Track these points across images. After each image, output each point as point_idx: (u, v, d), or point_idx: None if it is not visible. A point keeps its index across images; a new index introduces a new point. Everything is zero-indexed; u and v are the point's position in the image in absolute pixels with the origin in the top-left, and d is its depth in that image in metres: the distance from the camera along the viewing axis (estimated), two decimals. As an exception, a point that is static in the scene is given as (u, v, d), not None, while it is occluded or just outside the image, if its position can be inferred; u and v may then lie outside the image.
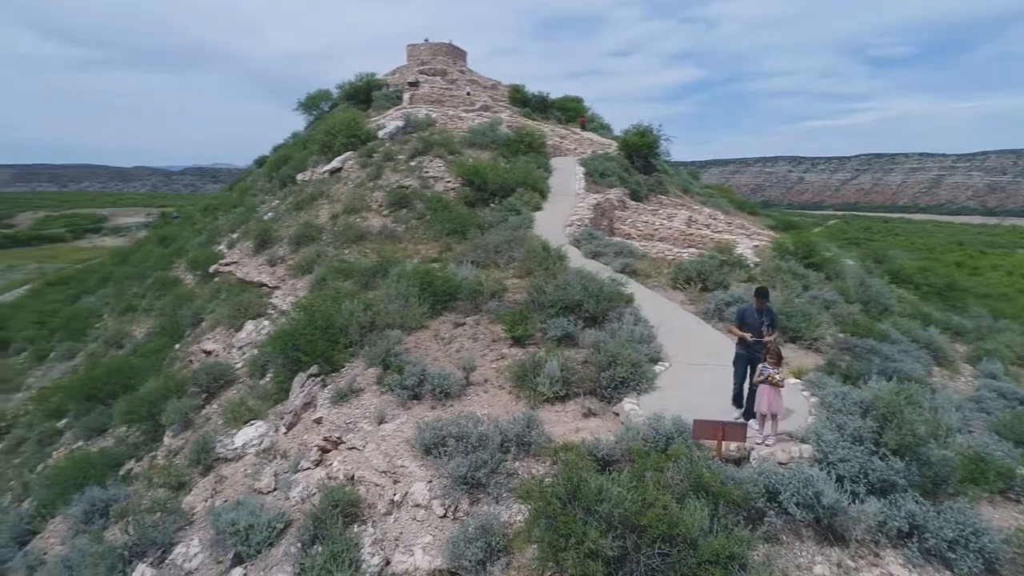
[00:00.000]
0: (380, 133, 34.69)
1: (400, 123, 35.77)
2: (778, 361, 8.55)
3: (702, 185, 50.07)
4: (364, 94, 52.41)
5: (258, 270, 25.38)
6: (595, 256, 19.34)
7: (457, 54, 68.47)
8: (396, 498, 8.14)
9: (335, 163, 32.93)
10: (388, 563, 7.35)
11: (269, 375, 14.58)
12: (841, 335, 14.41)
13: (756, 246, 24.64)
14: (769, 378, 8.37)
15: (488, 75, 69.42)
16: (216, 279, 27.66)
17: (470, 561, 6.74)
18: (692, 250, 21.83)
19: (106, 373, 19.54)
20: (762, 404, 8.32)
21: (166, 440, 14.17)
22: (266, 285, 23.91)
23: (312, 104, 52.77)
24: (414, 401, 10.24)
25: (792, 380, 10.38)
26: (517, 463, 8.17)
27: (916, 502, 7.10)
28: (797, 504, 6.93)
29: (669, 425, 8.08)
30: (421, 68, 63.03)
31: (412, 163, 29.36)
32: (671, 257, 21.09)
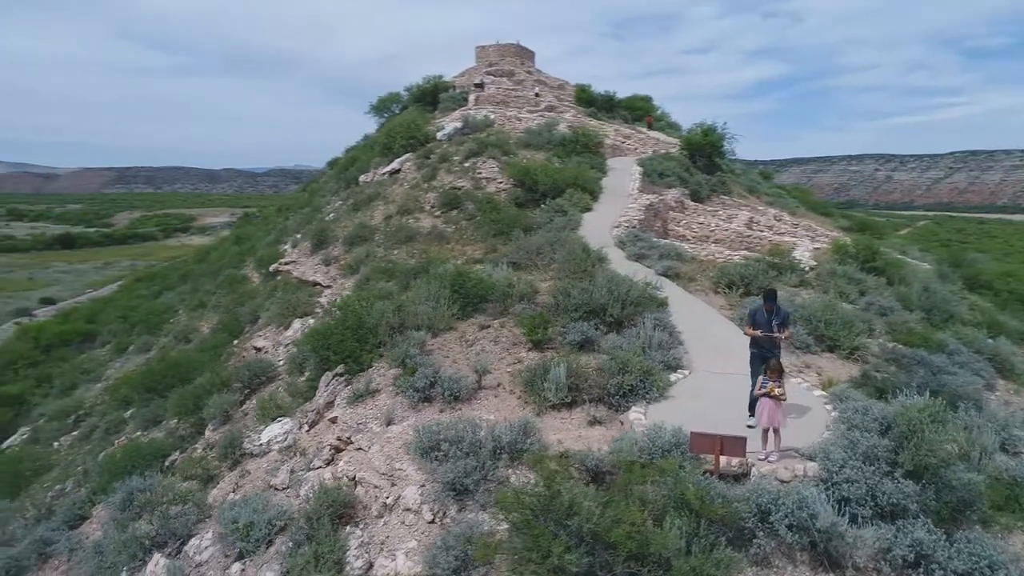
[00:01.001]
0: (438, 135, 35.08)
1: (458, 124, 36.07)
2: (778, 374, 8.11)
3: (772, 185, 48.36)
4: (431, 96, 53.23)
5: (313, 269, 26.12)
6: (638, 258, 18.93)
7: (525, 55, 68.60)
8: (389, 501, 8.15)
9: (394, 164, 33.54)
10: (371, 567, 7.36)
11: (306, 373, 14.94)
12: (891, 345, 13.59)
13: (817, 249, 23.62)
14: (769, 391, 7.94)
15: (557, 75, 69.24)
16: (277, 278, 28.62)
17: (444, 569, 6.67)
18: (745, 253, 21.07)
19: (166, 367, 20.49)
20: (762, 418, 7.89)
21: (206, 434, 14.71)
22: (320, 284, 24.57)
23: (383, 107, 53.89)
24: (425, 403, 10.25)
25: (817, 392, 9.84)
26: (509, 471, 8.04)
27: (927, 530, 6.56)
28: (789, 526, 6.51)
29: (668, 437, 7.78)
30: (488, 69, 63.44)
31: (466, 164, 29.54)
32: (721, 260, 20.41)
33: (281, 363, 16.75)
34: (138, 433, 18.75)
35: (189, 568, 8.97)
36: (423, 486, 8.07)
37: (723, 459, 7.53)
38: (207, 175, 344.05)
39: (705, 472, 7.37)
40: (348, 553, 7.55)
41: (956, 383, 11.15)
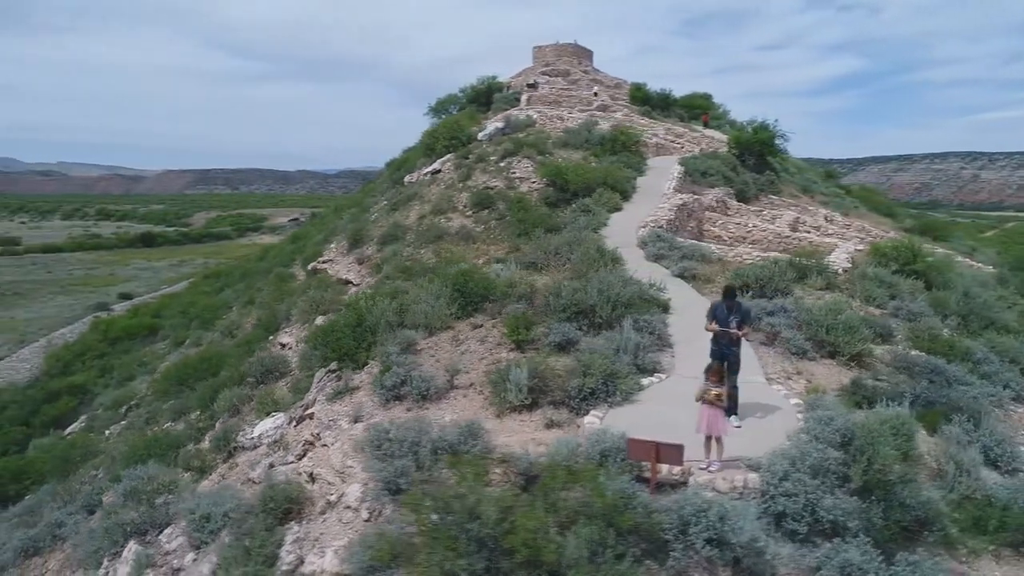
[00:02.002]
0: (480, 135, 35.23)
1: (500, 125, 36.14)
2: (719, 379, 7.72)
3: (832, 185, 46.44)
4: (485, 97, 53.63)
5: (347, 268, 26.64)
6: (657, 259, 18.52)
7: (582, 54, 68.28)
8: (333, 499, 8.21)
9: (436, 165, 33.90)
10: (301, 563, 7.42)
11: (311, 370, 15.22)
12: (907, 352, 12.81)
13: (857, 251, 22.61)
14: (705, 395, 7.58)
15: (623, 75, 68.57)
16: (317, 276, 29.33)
17: (359, 567, 6.65)
18: (774, 254, 20.30)
19: (198, 361, 21.28)
20: (701, 425, 7.53)
21: (217, 426, 15.19)
22: (351, 282, 25.05)
23: (441, 108, 54.63)
24: (396, 402, 10.28)
25: (794, 400, 9.36)
26: (449, 472, 7.96)
27: (862, 551, 6.11)
28: (708, 540, 6.18)
29: (609, 442, 7.53)
30: (544, 69, 63.44)
31: (501, 164, 29.56)
32: (749, 262, 19.75)
33: (295, 360, 17.13)
34: (168, 424, 19.52)
35: (158, 556, 9.28)
36: (366, 485, 8.09)
37: (664, 467, 7.25)
38: (281, 176, 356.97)
39: (641, 479, 7.11)
40: (282, 548, 7.65)
41: (961, 395, 10.40)
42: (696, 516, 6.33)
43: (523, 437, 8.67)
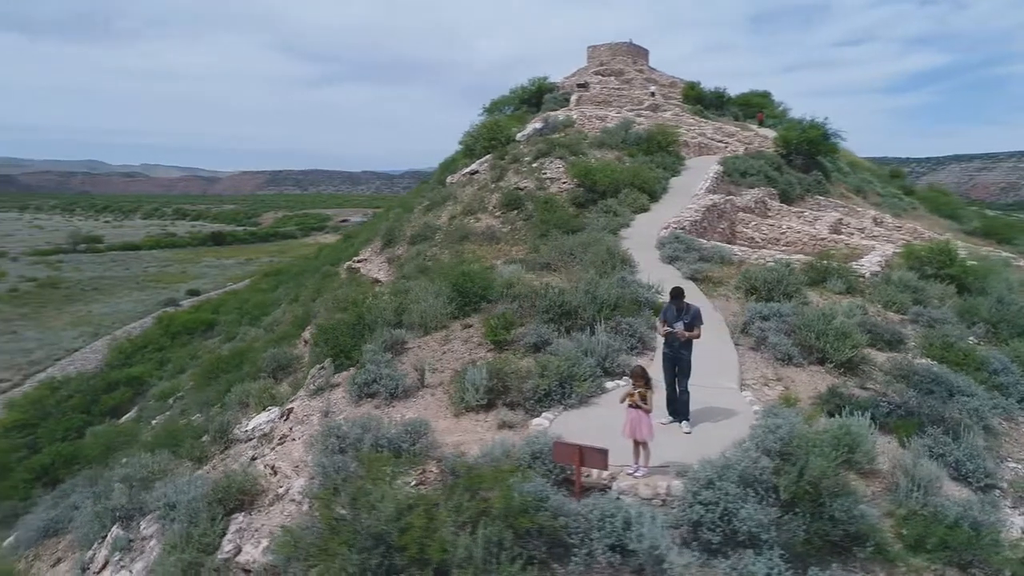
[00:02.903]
0: (518, 136, 35.33)
1: (538, 125, 36.16)
2: (644, 382, 7.53)
3: (889, 185, 44.48)
4: (535, 97, 53.76)
5: (378, 267, 27.17)
6: (672, 261, 18.21)
7: (637, 53, 67.65)
8: (281, 491, 8.44)
9: (474, 166, 34.18)
10: (239, 552, 7.66)
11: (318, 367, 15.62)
12: (914, 359, 12.22)
13: (896, 254, 21.70)
14: (629, 399, 7.41)
15: (686, 73, 67.60)
16: (353, 275, 30.02)
17: (280, 559, 6.83)
18: (800, 257, 19.66)
19: (230, 355, 22.12)
20: (625, 429, 7.38)
21: (226, 418, 15.75)
22: (379, 281, 25.54)
23: (494, 109, 55.07)
24: (367, 399, 10.46)
25: (756, 407, 9.06)
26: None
27: (770, 564, 5.88)
28: (611, 546, 6.08)
29: (543, 444, 7.48)
30: (598, 69, 63.15)
31: (534, 165, 29.56)
32: (771, 264, 19.21)
33: (305, 356, 17.59)
34: (196, 415, 20.35)
35: (136, 541, 9.73)
36: (312, 479, 8.28)
37: (595, 472, 7.15)
38: (348, 177, 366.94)
39: (569, 482, 7.05)
40: (225, 538, 7.92)
41: (955, 406, 9.87)
42: (601, 521, 6.25)
43: (473, 437, 8.71)
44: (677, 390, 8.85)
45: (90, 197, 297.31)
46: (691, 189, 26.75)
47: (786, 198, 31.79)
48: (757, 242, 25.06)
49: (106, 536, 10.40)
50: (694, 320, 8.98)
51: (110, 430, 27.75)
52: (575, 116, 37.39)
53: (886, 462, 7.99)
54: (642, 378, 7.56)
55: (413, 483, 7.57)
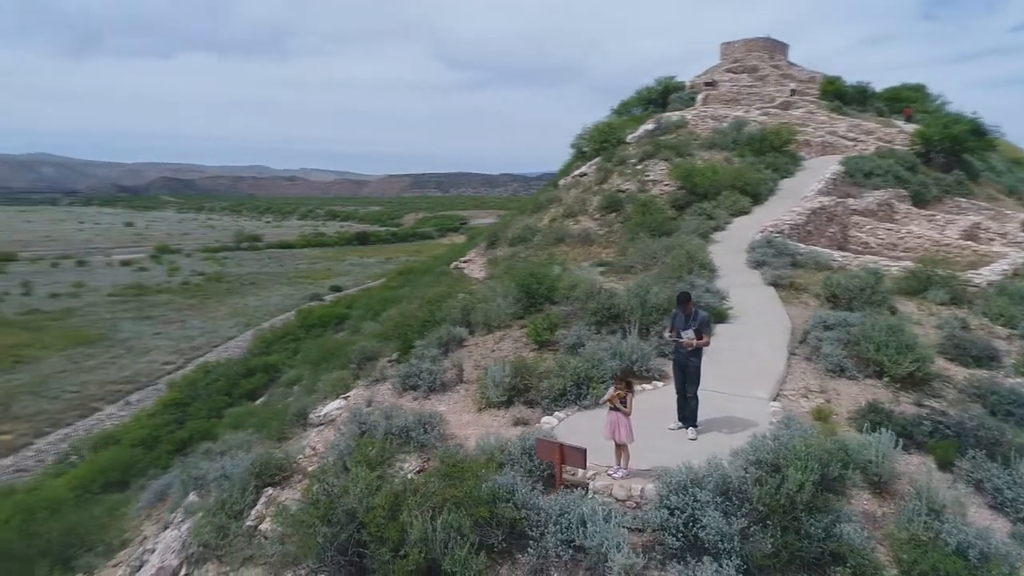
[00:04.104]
0: (629, 137, 35.10)
1: (650, 127, 35.72)
2: (625, 385, 7.45)
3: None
4: (662, 97, 53.07)
5: (479, 268, 28.06)
6: (758, 265, 17.55)
7: (775, 48, 64.89)
8: (312, 470, 9.19)
9: (584, 168, 34.39)
10: (262, 521, 8.46)
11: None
12: (1014, 380, 11.13)
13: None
14: (608, 400, 7.37)
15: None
16: (458, 274, 31.18)
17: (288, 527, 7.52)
18: (907, 263, 18.26)
19: (335, 345, 23.80)
20: (606, 430, 7.36)
21: (305, 402, 17.04)
22: (479, 281, 26.42)
23: (623, 110, 55.00)
24: (409, 391, 11.10)
25: (779, 418, 8.69)
26: (401, 455, 8.57)
27: (719, 573, 5.74)
28: (564, 542, 6.19)
29: (534, 441, 7.68)
30: (731, 66, 61.25)
31: (638, 167, 29.29)
32: (857, 271, 18.03)
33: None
34: (291, 399, 22.08)
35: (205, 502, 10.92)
36: (335, 460, 8.97)
37: (578, 470, 7.28)
38: (486, 180, 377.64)
39: (552, 478, 7.23)
40: (254, 509, 8.77)
41: (1011, 431, 8.96)
42: (559, 517, 6.40)
43: (488, 431, 9.05)
44: (686, 396, 8.72)
45: (255, 199, 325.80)
46: (802, 191, 25.43)
47: (919, 200, 29.40)
48: (871, 247, 23.41)
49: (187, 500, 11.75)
50: (702, 326, 8.77)
51: (242, 411, 30.57)
52: (690, 117, 36.53)
53: (906, 483, 7.49)
54: (623, 381, 7.57)
55: (417, 470, 8.07)
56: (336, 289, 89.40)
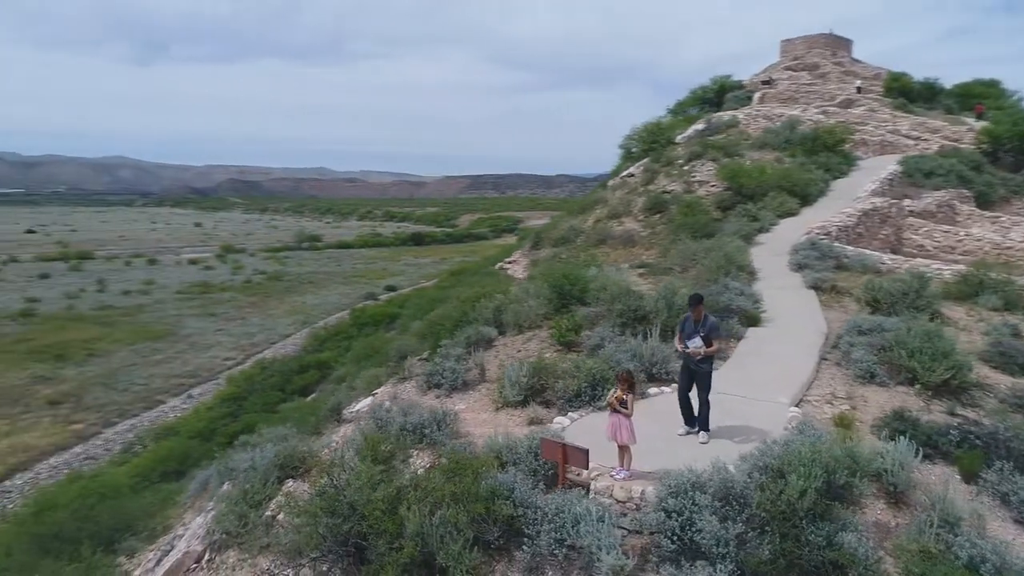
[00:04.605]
0: (678, 138, 34.68)
1: (700, 127, 35.20)
2: (628, 387, 7.37)
3: None
4: (717, 97, 52.30)
5: (523, 269, 28.17)
6: (800, 268, 17.12)
7: (837, 45, 63.32)
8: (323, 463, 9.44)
9: (632, 169, 34.16)
10: (280, 512, 8.73)
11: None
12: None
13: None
14: (608, 402, 7.32)
15: (873, 63, 62.51)
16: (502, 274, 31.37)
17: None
18: (960, 267, 17.51)
19: (380, 344, 24.30)
20: (607, 431, 7.30)
21: (340, 398, 17.44)
22: (520, 281, 26.53)
23: (679, 110, 54.42)
24: (432, 389, 11.28)
25: (796, 423, 8.47)
26: (412, 449, 8.73)
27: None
28: (556, 540, 6.21)
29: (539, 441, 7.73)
30: (791, 64, 60.00)
31: (685, 167, 28.91)
32: (928, 276, 17.34)
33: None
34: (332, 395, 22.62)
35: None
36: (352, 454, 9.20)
37: (583, 470, 7.29)
38: (543, 181, 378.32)
39: (555, 477, 7.26)
40: (274, 500, 9.06)
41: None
42: (554, 516, 6.43)
43: (500, 430, 9.13)
44: (695, 403, 8.54)
45: (316, 200, 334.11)
46: (855, 192, 24.66)
47: (984, 201, 28.17)
48: (927, 250, 22.53)
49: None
50: (711, 332, 8.53)
51: (292, 406, 31.49)
52: (741, 116, 35.84)
53: (924, 493, 7.23)
54: (626, 382, 7.53)
55: (428, 466, 8.22)
56: (390, 289, 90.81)
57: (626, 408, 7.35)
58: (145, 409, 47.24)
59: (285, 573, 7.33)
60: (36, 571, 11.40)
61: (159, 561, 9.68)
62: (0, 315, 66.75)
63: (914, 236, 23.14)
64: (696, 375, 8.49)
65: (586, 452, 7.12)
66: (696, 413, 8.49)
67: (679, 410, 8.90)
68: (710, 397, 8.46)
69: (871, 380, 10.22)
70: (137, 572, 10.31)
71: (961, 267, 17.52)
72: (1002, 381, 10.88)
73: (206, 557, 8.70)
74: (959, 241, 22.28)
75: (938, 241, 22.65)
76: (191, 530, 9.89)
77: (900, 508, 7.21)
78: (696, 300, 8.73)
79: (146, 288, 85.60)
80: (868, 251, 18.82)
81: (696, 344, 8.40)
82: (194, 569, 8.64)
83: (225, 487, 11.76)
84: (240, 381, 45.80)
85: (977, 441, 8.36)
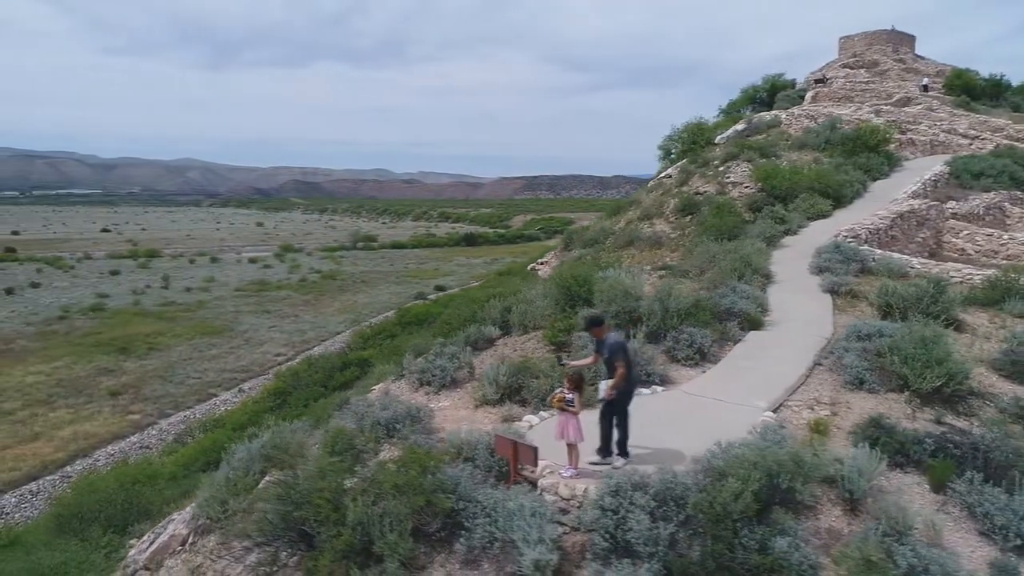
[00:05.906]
0: (718, 138, 34.16)
1: (740, 127, 34.60)
2: (576, 385, 7.37)
3: None
4: (769, 96, 51.36)
5: (551, 270, 28.24)
6: (820, 272, 16.71)
7: (899, 41, 61.28)
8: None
9: (670, 170, 33.88)
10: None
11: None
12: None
13: None
14: (554, 400, 7.35)
15: (937, 59, 60.25)
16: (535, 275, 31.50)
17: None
18: (987, 272, 16.80)
19: (409, 342, 24.72)
20: (555, 430, 7.34)
21: (348, 394, 17.88)
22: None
23: (731, 110, 53.64)
24: (423, 387, 11.53)
25: (770, 426, 8.34)
26: (383, 443, 8.97)
27: None
28: (489, 533, 6.32)
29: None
30: (849, 61, 58.42)
31: (720, 168, 28.47)
32: (958, 280, 16.71)
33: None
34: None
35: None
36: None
37: (530, 467, 7.40)
38: (599, 182, 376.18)
39: (506, 472, 7.38)
40: (259, 486, 9.43)
41: None
42: (491, 510, 6.55)
43: (474, 426, 9.30)
44: (614, 436, 7.84)
45: (374, 201, 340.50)
46: (894, 193, 23.85)
47: (1040, 202, 26.81)
48: (969, 255, 21.63)
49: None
50: (612, 355, 7.76)
51: (328, 401, 32.31)
52: (783, 116, 35.04)
53: (878, 501, 7.06)
54: (572, 381, 7.57)
55: (395, 459, 8.44)
56: (440, 288, 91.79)
57: (572, 407, 7.41)
58: (198, 402, 49.12)
59: (248, 557, 7.67)
60: (50, 548, 12.15)
61: (153, 543, 10.20)
62: (73, 310, 70.36)
63: (955, 240, 22.24)
64: (612, 400, 7.73)
65: (535, 449, 7.22)
66: (616, 439, 7.90)
67: (663, 413, 8.86)
68: (628, 422, 7.86)
69: (860, 386, 9.98)
70: (132, 552, 10.89)
71: (988, 271, 16.81)
72: (1009, 390, 10.46)
73: (190, 540, 9.16)
74: (1002, 245, 21.31)
75: (980, 245, 21.71)
76: (183, 514, 10.39)
77: (857, 515, 7.06)
78: (593, 323, 8.28)
79: (207, 285, 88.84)
80: (896, 254, 18.19)
81: (604, 387, 7.77)
82: (178, 551, 9.11)
83: (218, 475, 12.29)
84: (287, 376, 47.12)
85: (955, 451, 8.09)
